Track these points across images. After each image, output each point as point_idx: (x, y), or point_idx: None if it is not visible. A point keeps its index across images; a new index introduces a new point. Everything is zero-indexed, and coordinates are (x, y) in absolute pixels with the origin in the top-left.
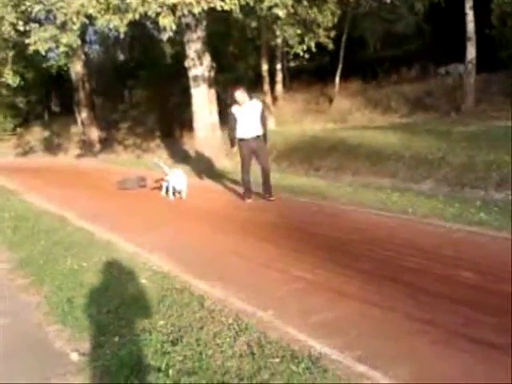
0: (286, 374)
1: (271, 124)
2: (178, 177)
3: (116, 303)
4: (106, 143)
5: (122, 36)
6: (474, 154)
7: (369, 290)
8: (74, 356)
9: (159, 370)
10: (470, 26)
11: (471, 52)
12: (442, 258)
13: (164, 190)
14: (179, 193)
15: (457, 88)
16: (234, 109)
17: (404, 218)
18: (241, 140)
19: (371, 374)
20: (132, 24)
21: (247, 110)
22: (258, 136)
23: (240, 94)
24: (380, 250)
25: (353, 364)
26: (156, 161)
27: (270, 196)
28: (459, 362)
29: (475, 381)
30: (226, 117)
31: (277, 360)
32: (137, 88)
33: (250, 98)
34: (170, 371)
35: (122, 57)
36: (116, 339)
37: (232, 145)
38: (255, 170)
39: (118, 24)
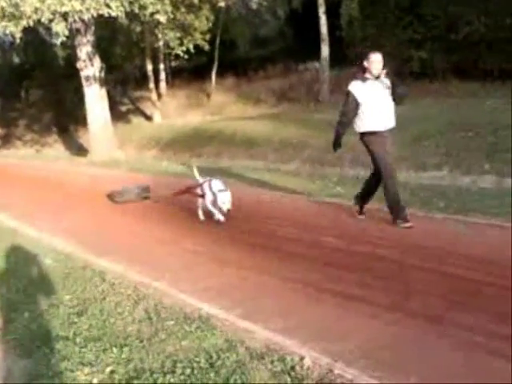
0: (180, 333)
1: (157, 118)
2: (225, 193)
3: (25, 283)
4: (5, 139)
5: (17, 41)
6: (330, 138)
7: (250, 258)
8: None
9: (67, 338)
10: (324, 28)
11: (325, 51)
12: (310, 226)
13: (200, 208)
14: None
15: (314, 82)
16: (356, 87)
17: (275, 194)
18: (372, 134)
19: (254, 328)
20: (26, 29)
21: (378, 89)
22: (391, 129)
23: (377, 61)
24: (255, 221)
25: (237, 321)
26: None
27: (406, 220)
28: (328, 312)
29: (344, 327)
30: (118, 112)
31: (172, 322)
32: (33, 88)
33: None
34: (77, 339)
35: (17, 60)
36: (26, 315)
37: (336, 145)
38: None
39: (13, 30)
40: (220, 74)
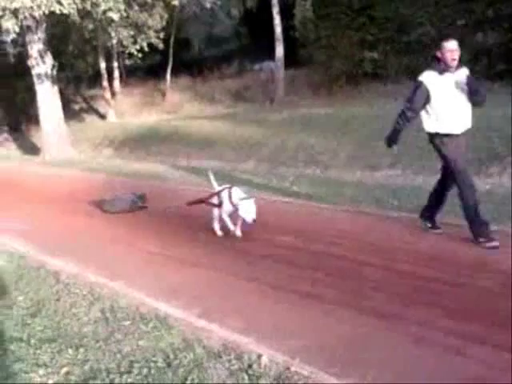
0: (137, 333)
1: (111, 117)
2: (249, 201)
3: None
4: None
5: None
6: (286, 138)
7: (206, 257)
8: None
9: (21, 340)
10: (278, 28)
11: (279, 51)
12: (266, 225)
13: (216, 221)
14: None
15: (269, 82)
16: (430, 78)
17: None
18: (446, 136)
19: (211, 327)
20: None
21: (453, 85)
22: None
23: (453, 49)
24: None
25: (194, 320)
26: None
27: (490, 239)
28: (285, 310)
29: (301, 324)
30: (71, 111)
31: (128, 322)
32: None
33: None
34: (32, 340)
35: None
36: None
37: (393, 141)
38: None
39: None
40: (175, 74)
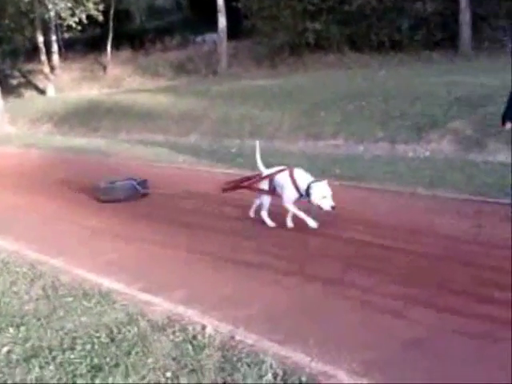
0: (79, 309)
1: (50, 91)
2: (323, 183)
3: None
4: None
5: None
6: (229, 109)
7: (150, 231)
8: None
9: None
10: None
11: (222, 22)
12: (210, 198)
13: (265, 209)
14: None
15: (212, 54)
16: None
17: (176, 167)
18: None
19: (155, 301)
20: None
21: None
22: None
23: None
24: (159, 196)
25: (138, 294)
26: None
27: None
28: (229, 280)
29: (245, 294)
30: (9, 86)
31: (70, 299)
32: None
33: None
34: None
35: None
36: None
37: (507, 119)
38: None
39: None
40: (116, 46)
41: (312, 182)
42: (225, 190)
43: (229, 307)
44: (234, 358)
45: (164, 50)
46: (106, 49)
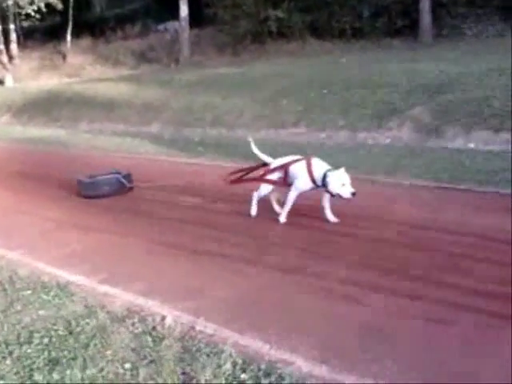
0: (37, 303)
1: (9, 81)
2: (341, 171)
3: None
4: None
5: None
6: (192, 98)
7: (110, 223)
8: None
9: None
10: None
11: (184, 10)
12: (173, 188)
13: (258, 197)
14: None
15: (174, 42)
16: None
17: (139, 157)
18: None
19: (115, 292)
20: None
21: None
22: None
23: None
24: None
25: (97, 286)
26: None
27: None
28: (189, 270)
29: (203, 284)
30: None
31: (28, 292)
32: None
33: None
34: None
35: None
36: None
37: None
38: None
39: None
40: (76, 35)
41: (328, 171)
42: (233, 182)
43: (190, 298)
44: (194, 348)
45: (125, 39)
46: (65, 37)
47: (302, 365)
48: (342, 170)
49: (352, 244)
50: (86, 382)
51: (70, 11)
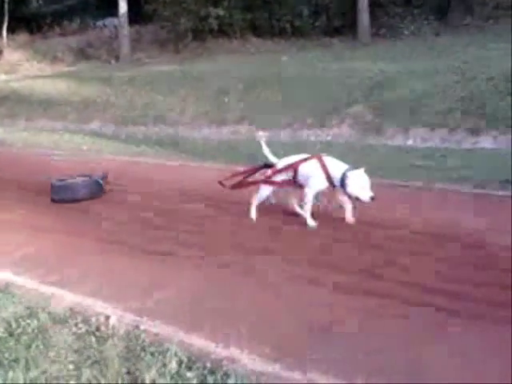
0: None
1: None
2: (360, 172)
3: None
4: None
5: None
6: (133, 96)
7: (64, 223)
8: None
9: None
10: None
11: (123, 6)
12: (115, 186)
13: (259, 201)
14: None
15: (113, 39)
16: None
17: (80, 156)
18: None
19: (58, 293)
20: None
21: None
22: None
23: None
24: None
25: (40, 286)
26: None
27: None
28: (134, 271)
29: (149, 283)
30: None
31: None
32: None
33: None
34: None
35: None
36: None
37: None
38: None
39: None
40: (12, 30)
41: (347, 171)
42: (233, 187)
43: (135, 297)
44: (138, 348)
45: (63, 35)
46: (1, 33)
47: (248, 362)
48: (362, 170)
49: (301, 240)
50: (29, 383)
51: (6, 6)
